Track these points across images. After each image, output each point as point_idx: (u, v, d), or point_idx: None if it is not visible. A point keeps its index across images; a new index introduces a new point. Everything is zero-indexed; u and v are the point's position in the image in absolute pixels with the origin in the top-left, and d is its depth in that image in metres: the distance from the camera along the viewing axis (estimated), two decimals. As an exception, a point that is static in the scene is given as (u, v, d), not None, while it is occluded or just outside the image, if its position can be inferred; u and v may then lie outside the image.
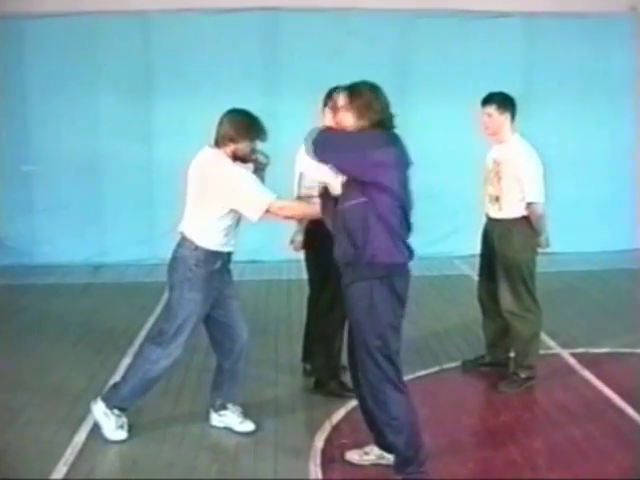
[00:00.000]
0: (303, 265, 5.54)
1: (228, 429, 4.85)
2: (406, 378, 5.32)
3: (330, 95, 5.31)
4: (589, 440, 4.69)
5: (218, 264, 4.59)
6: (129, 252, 9.53)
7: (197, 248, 4.54)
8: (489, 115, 5.36)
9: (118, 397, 4.70)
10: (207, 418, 4.94)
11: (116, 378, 5.62)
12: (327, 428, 4.85)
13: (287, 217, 4.68)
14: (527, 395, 5.39)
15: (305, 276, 5.58)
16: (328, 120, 5.26)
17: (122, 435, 4.69)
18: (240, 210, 4.50)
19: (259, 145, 4.68)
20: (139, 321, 7.05)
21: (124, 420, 4.73)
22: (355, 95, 4.01)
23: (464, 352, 6.15)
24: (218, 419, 4.89)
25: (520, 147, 5.36)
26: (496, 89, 5.48)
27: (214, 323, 4.77)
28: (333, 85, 5.38)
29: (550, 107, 9.48)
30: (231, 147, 4.54)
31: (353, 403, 5.11)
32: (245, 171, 4.56)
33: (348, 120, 3.98)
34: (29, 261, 9.45)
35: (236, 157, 4.56)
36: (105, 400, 4.72)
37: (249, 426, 4.84)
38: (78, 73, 9.34)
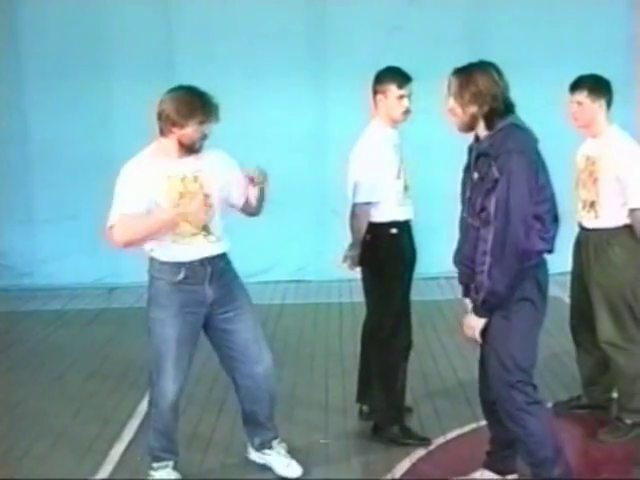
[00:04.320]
0: (358, 285, 5.61)
1: (268, 469, 4.99)
2: (484, 423, 5.38)
3: (378, 79, 5.42)
4: None
5: (181, 275, 4.67)
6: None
7: (151, 259, 4.75)
8: (579, 103, 5.36)
9: (148, 447, 4.91)
10: (242, 470, 5.09)
11: (136, 421, 5.77)
12: (389, 483, 4.92)
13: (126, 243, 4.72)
14: (634, 446, 5.34)
15: (359, 298, 5.65)
16: (382, 110, 5.37)
17: None
18: None
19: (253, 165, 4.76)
20: (160, 354, 7.17)
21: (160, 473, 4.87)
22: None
23: (555, 392, 6.14)
24: (258, 456, 5.06)
25: (619, 141, 5.34)
26: (591, 69, 5.48)
27: (222, 359, 4.95)
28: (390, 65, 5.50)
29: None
30: (176, 134, 4.56)
31: (419, 453, 5.19)
32: (127, 177, 4.62)
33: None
34: (29, 282, 9.66)
35: (183, 146, 4.59)
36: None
37: (295, 470, 4.95)
38: (85, 57, 9.50)
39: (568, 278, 5.78)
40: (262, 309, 8.43)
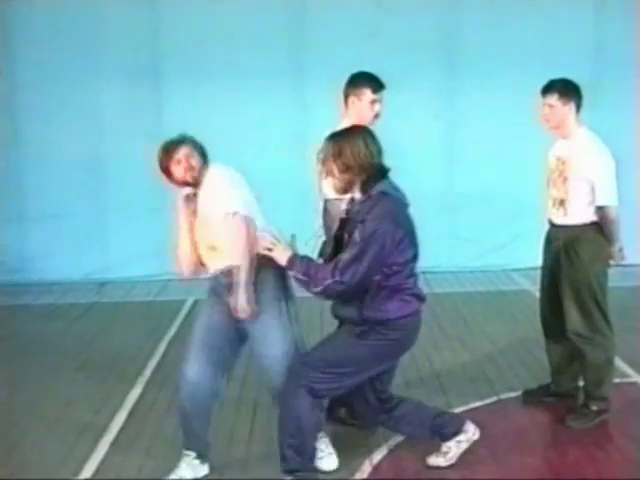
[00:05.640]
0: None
1: None
2: (458, 410, 5.41)
3: (352, 82, 5.41)
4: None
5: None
6: (137, 267, 9.62)
7: None
8: (550, 106, 5.38)
9: None
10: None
11: (124, 411, 5.74)
12: (367, 469, 4.90)
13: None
14: (600, 431, 5.38)
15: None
16: (353, 112, 5.35)
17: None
18: None
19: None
20: (149, 346, 7.16)
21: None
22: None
23: (525, 380, 6.16)
24: None
25: (588, 142, 5.36)
26: (559, 73, 5.50)
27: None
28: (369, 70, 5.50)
29: (623, 95, 9.42)
30: None
31: (397, 439, 5.18)
32: None
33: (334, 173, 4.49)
34: (21, 278, 9.57)
35: None
36: None
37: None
38: (75, 60, 9.43)
39: (538, 272, 5.81)
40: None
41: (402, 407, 4.86)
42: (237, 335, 4.76)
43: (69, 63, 9.42)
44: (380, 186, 4.43)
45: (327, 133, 5.40)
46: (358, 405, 4.87)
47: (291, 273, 4.46)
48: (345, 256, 4.33)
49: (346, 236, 4.47)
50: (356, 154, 4.38)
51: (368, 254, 4.28)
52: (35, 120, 9.50)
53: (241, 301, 4.54)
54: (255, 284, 4.61)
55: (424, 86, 9.41)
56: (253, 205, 4.76)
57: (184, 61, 9.48)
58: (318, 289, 4.36)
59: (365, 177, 4.41)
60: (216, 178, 4.71)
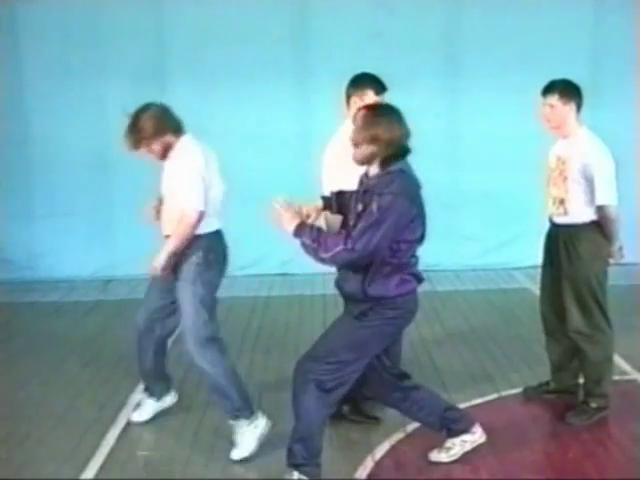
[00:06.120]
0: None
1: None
2: (460, 406, 5.39)
3: (355, 83, 5.40)
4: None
5: None
6: (143, 265, 9.59)
7: None
8: (551, 106, 5.38)
9: None
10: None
11: (129, 407, 5.75)
12: (369, 464, 4.91)
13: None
14: (599, 428, 5.39)
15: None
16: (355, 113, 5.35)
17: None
18: None
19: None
20: (154, 343, 7.14)
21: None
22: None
23: (525, 377, 6.17)
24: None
25: (588, 142, 5.36)
26: (559, 73, 5.51)
27: None
28: (371, 71, 5.49)
29: (622, 95, 9.42)
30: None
31: (398, 435, 5.19)
32: None
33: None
34: (29, 276, 9.59)
35: None
36: None
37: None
38: (81, 61, 9.44)
39: (538, 271, 5.81)
40: (249, 301, 8.49)
41: (420, 391, 4.88)
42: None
43: (75, 62, 9.42)
44: (399, 164, 4.41)
45: (329, 132, 5.45)
46: (373, 383, 4.83)
47: (299, 240, 4.42)
48: (360, 225, 4.29)
49: (360, 207, 4.42)
50: (388, 130, 4.34)
51: (384, 225, 4.25)
52: (44, 120, 9.49)
53: (157, 261, 5.04)
54: (184, 255, 5.01)
55: (426, 86, 9.39)
56: (214, 179, 5.06)
57: (189, 60, 9.48)
58: (328, 255, 4.31)
59: (388, 154, 4.37)
60: (179, 162, 5.09)
